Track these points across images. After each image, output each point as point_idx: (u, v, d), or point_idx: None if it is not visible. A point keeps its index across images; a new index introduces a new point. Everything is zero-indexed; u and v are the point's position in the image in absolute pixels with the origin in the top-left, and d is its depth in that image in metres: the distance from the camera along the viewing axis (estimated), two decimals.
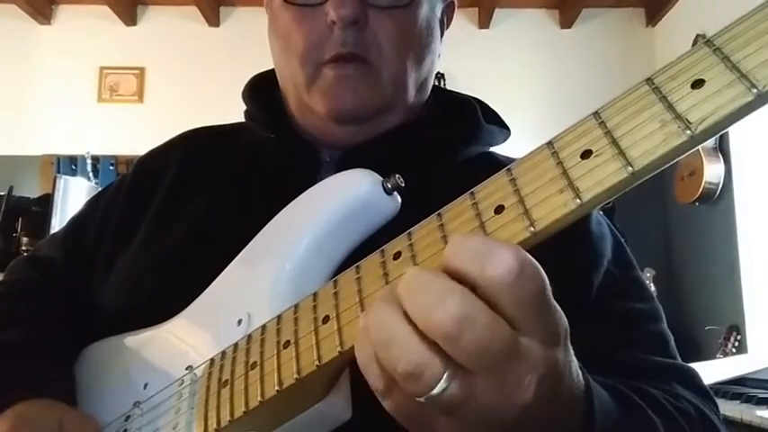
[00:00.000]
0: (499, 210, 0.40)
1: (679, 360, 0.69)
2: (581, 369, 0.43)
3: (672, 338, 0.70)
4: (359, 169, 0.59)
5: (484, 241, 0.37)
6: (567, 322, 0.38)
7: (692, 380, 0.66)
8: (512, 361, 0.35)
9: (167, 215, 0.77)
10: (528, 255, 0.36)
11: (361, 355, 0.39)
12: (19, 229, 3.14)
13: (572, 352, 0.40)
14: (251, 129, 0.81)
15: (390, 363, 0.36)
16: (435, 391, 0.35)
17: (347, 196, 0.58)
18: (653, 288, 3.06)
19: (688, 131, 0.34)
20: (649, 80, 0.37)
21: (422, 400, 0.36)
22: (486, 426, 0.37)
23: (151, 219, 0.78)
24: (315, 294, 0.49)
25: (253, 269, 0.63)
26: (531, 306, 0.36)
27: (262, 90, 0.82)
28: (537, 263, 0.36)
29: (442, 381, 0.35)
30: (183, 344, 0.64)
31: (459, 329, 0.35)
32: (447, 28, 0.81)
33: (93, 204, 0.88)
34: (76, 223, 0.87)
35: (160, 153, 0.86)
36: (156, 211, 0.78)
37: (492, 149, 0.80)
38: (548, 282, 0.36)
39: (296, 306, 0.50)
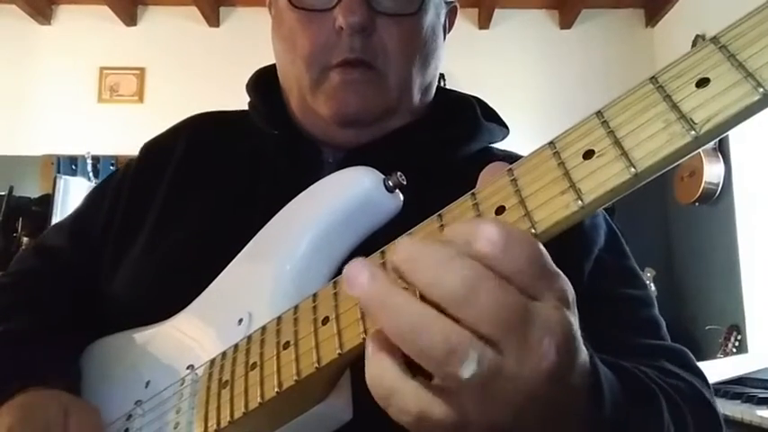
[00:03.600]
0: (500, 211, 0.40)
1: (670, 342, 0.69)
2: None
3: (663, 323, 0.70)
4: (360, 167, 0.59)
5: (470, 221, 0.38)
6: (572, 289, 0.38)
7: (684, 359, 0.66)
8: (527, 323, 0.35)
9: (171, 211, 0.77)
10: (514, 227, 0.37)
11: (379, 391, 0.38)
12: (19, 229, 3.14)
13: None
14: (255, 121, 0.81)
15: (426, 350, 0.35)
16: (471, 363, 0.34)
17: (348, 194, 0.58)
18: (653, 288, 3.06)
19: (692, 132, 0.34)
20: (653, 78, 0.36)
21: (461, 379, 0.35)
22: (514, 404, 0.36)
23: (155, 214, 0.78)
24: (315, 295, 0.49)
25: (254, 267, 0.62)
26: (529, 272, 0.36)
27: (267, 84, 0.82)
28: (526, 233, 0.37)
29: (475, 352, 0.34)
30: (184, 342, 0.64)
31: (472, 290, 0.34)
32: (449, 31, 0.82)
33: (99, 192, 0.88)
34: (83, 212, 0.87)
35: (165, 140, 0.86)
36: (161, 205, 0.78)
37: (490, 146, 0.80)
38: (543, 249, 0.36)
39: (296, 307, 0.50)
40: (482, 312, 0.34)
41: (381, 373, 0.38)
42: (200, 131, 0.86)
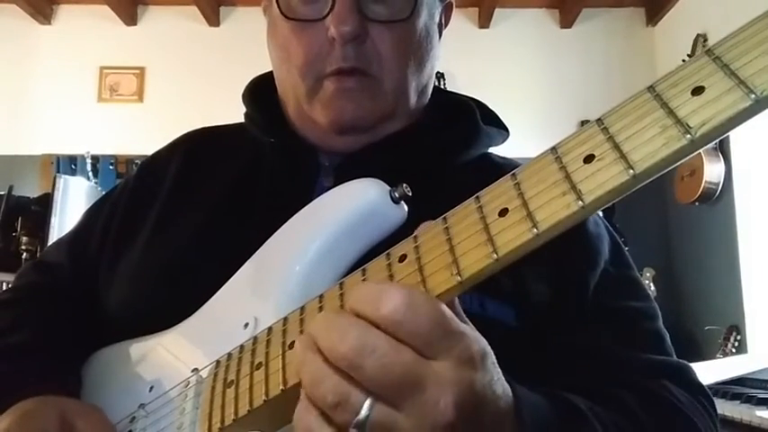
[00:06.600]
0: (503, 212, 0.41)
1: (673, 357, 0.69)
2: (509, 383, 0.44)
3: (667, 336, 0.70)
4: (367, 178, 0.60)
5: (377, 286, 0.41)
6: (484, 345, 0.41)
7: (685, 376, 0.66)
8: (422, 385, 0.38)
9: (168, 220, 0.78)
10: (418, 292, 0.40)
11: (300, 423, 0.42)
12: (19, 229, 3.13)
13: (497, 371, 0.42)
14: (251, 131, 0.81)
15: (321, 399, 0.40)
16: (360, 416, 0.38)
17: (355, 205, 0.59)
18: (652, 288, 3.07)
19: (688, 135, 0.35)
20: (651, 88, 0.38)
21: (354, 425, 0.39)
22: None
23: (152, 223, 0.78)
24: (321, 296, 0.50)
25: (261, 274, 0.63)
26: (429, 334, 0.39)
27: (262, 92, 0.82)
28: (430, 297, 0.41)
29: (365, 407, 0.38)
30: (189, 348, 0.64)
31: (361, 357, 0.39)
32: (445, 28, 0.81)
33: (96, 209, 0.88)
34: (81, 228, 0.88)
35: (162, 156, 0.87)
36: (157, 216, 0.79)
37: (490, 150, 0.81)
38: (446, 312, 0.40)
39: (302, 307, 0.51)
40: (368, 375, 0.39)
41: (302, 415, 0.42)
42: (198, 144, 0.86)
